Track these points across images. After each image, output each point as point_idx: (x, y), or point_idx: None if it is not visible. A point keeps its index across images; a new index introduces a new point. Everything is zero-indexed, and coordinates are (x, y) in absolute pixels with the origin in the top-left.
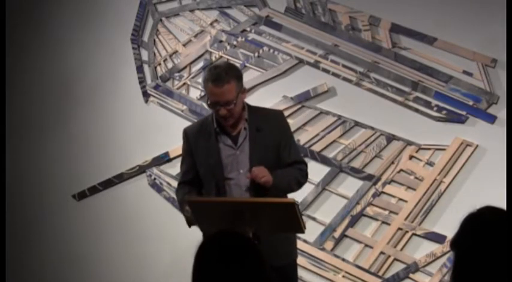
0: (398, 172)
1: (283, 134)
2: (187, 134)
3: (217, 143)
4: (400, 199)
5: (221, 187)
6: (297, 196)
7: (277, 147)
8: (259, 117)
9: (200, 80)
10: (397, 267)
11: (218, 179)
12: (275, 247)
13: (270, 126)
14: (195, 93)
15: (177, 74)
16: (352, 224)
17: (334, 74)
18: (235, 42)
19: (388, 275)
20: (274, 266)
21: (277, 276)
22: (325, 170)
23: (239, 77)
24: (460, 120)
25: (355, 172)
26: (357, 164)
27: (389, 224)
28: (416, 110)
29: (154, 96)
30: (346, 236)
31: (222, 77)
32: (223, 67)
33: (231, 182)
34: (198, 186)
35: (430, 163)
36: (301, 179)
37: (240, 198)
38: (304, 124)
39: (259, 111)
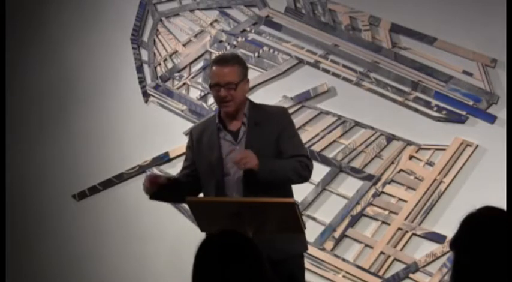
0: (399, 172)
1: (284, 129)
2: (191, 132)
3: (218, 139)
4: (400, 199)
5: (220, 183)
6: (297, 196)
7: (276, 142)
8: (260, 113)
9: (200, 80)
10: (397, 267)
11: (218, 174)
12: (273, 241)
13: (270, 121)
14: (195, 93)
15: (177, 74)
16: (352, 224)
17: (334, 74)
18: (235, 42)
19: (388, 275)
20: (273, 260)
21: (277, 271)
22: (325, 170)
23: (243, 65)
24: (460, 120)
25: (355, 172)
26: (357, 164)
27: (389, 224)
28: (416, 110)
29: (154, 96)
30: (346, 236)
31: (227, 59)
32: (229, 53)
33: (229, 177)
34: (191, 182)
35: (430, 163)
36: (302, 171)
37: (240, 198)
38: (304, 124)
39: (261, 107)
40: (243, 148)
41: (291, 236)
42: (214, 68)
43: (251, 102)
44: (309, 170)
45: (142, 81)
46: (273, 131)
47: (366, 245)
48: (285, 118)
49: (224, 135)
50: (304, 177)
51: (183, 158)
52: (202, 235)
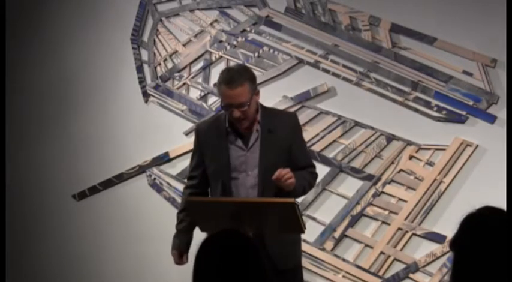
0: (398, 172)
1: (295, 136)
2: (198, 130)
3: (227, 143)
4: (400, 199)
5: (227, 186)
6: None
7: (288, 149)
8: (272, 119)
9: (200, 80)
10: (397, 267)
11: (224, 178)
12: (282, 251)
13: (282, 128)
14: (195, 93)
15: (177, 74)
16: (352, 224)
17: (334, 74)
18: (235, 42)
19: (388, 275)
20: (279, 270)
21: (282, 280)
22: (325, 170)
23: (252, 79)
24: (460, 120)
25: (355, 172)
26: (357, 164)
27: (389, 224)
28: (416, 110)
29: (154, 96)
30: (346, 236)
31: (235, 79)
32: (237, 69)
33: (237, 181)
34: (205, 182)
35: (430, 163)
36: (313, 182)
37: (240, 198)
38: (304, 124)
39: (272, 112)
40: (254, 155)
41: (295, 244)
42: (224, 88)
43: (262, 107)
44: (316, 179)
45: (142, 81)
46: (286, 138)
47: (366, 245)
48: (297, 125)
49: (233, 140)
50: (313, 187)
51: (183, 158)
52: (202, 235)
